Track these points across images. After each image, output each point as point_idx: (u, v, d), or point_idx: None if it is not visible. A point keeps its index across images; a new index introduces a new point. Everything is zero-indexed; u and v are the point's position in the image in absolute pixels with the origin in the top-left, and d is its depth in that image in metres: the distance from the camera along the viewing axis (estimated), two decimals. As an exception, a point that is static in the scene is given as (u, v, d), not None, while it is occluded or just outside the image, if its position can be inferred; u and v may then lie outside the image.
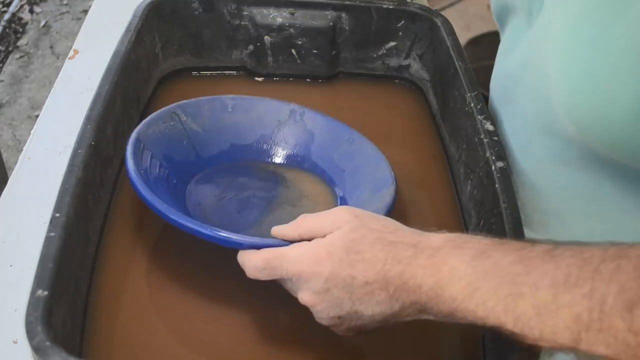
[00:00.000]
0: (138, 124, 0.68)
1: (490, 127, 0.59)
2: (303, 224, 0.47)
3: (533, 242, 0.39)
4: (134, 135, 0.58)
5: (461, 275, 0.39)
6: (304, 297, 0.45)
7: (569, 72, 0.45)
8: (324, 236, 0.45)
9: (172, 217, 0.50)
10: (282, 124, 0.67)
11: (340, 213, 0.46)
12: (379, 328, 0.45)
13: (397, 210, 0.63)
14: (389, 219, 0.46)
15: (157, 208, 0.51)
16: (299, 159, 0.66)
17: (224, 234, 0.49)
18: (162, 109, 0.63)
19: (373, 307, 0.43)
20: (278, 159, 0.66)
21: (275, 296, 0.53)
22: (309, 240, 0.46)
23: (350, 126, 0.66)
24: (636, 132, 0.42)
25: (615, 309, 0.32)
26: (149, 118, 0.61)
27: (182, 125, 0.63)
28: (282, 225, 0.48)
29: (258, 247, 0.48)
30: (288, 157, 0.66)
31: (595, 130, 0.44)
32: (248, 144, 0.66)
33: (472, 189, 0.61)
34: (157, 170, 0.58)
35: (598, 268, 0.34)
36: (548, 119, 0.51)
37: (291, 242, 0.47)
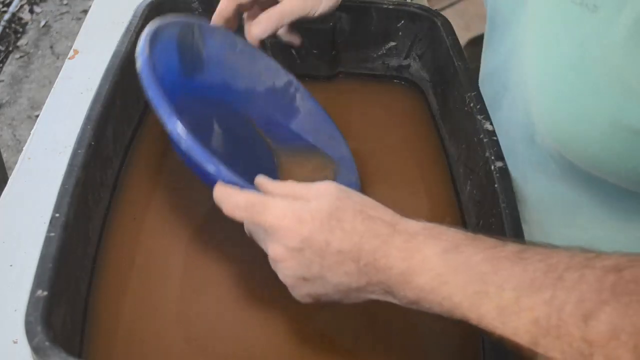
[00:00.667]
0: (138, 123, 0.68)
1: (490, 127, 0.59)
2: (289, 185, 0.47)
3: (505, 241, 0.40)
4: (152, 27, 0.54)
5: (432, 266, 0.39)
6: (276, 250, 0.44)
7: (547, 88, 0.46)
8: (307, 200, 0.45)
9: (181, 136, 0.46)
10: (276, 88, 0.67)
11: (327, 184, 0.46)
12: (337, 301, 0.45)
13: (396, 210, 0.63)
14: (370, 199, 0.46)
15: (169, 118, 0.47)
16: (277, 127, 0.66)
17: (223, 169, 0.46)
18: (180, 17, 0.61)
19: (340, 277, 0.43)
20: (259, 119, 0.65)
21: (277, 297, 0.53)
22: None
23: (336, 124, 0.67)
24: (613, 150, 0.43)
25: (572, 318, 0.33)
26: (167, 19, 0.58)
27: (192, 41, 0.61)
28: (267, 179, 0.48)
29: (240, 187, 0.47)
30: (268, 121, 0.66)
31: (573, 146, 0.45)
32: (238, 89, 0.65)
33: (472, 188, 0.61)
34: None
35: (562, 275, 0.35)
36: (529, 129, 0.51)
37: None
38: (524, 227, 0.53)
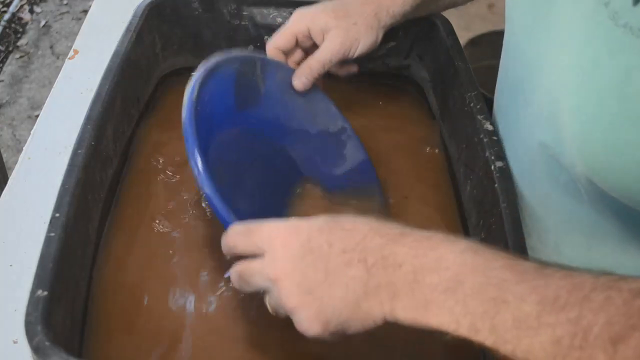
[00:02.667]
0: (138, 123, 0.68)
1: (490, 127, 0.59)
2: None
3: (520, 257, 0.37)
4: (208, 65, 0.54)
5: (448, 265, 0.37)
6: (276, 267, 0.41)
7: (583, 114, 0.42)
8: None
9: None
10: (329, 132, 0.66)
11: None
12: (346, 328, 0.40)
13: (396, 210, 0.63)
14: None
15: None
16: (320, 170, 0.65)
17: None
18: (243, 52, 0.61)
19: (347, 282, 0.39)
20: (305, 160, 0.65)
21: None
22: None
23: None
24: None
25: (599, 340, 0.31)
26: (229, 54, 0.58)
27: (252, 76, 0.61)
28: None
29: None
30: (312, 163, 0.65)
31: (606, 175, 0.42)
32: (290, 128, 0.64)
33: (472, 188, 0.61)
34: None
35: (588, 296, 0.33)
36: (556, 150, 0.48)
37: None
38: (535, 243, 0.51)
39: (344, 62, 0.66)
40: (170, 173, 0.64)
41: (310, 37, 0.64)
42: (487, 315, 0.35)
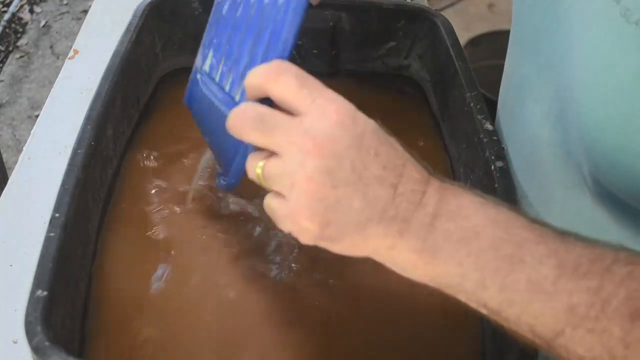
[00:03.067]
0: (138, 123, 0.68)
1: (490, 127, 0.59)
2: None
3: (542, 222, 0.35)
4: None
5: (467, 214, 0.35)
6: (316, 132, 0.35)
7: (596, 115, 0.41)
8: None
9: None
10: None
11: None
12: (343, 236, 0.36)
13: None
14: None
15: None
16: None
17: None
18: None
19: (371, 198, 0.35)
20: None
21: (282, 304, 0.53)
22: None
23: None
24: None
25: (617, 314, 0.30)
26: None
27: None
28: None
29: None
30: None
31: (614, 173, 0.41)
32: None
33: (472, 188, 0.61)
34: None
35: (610, 267, 0.31)
36: (564, 148, 0.47)
37: None
38: None
39: None
40: (170, 173, 0.64)
41: None
42: (500, 273, 0.33)
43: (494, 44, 0.64)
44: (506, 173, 0.55)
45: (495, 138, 0.58)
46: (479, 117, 0.61)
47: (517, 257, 0.33)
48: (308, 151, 0.35)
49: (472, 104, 0.62)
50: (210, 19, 0.54)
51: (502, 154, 0.57)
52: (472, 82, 0.65)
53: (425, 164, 0.39)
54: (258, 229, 0.59)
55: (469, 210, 0.35)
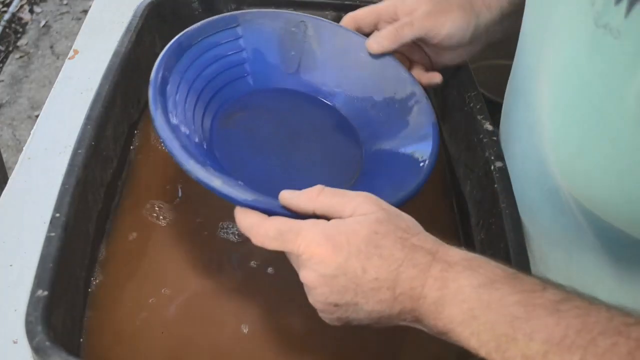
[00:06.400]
0: (138, 123, 0.68)
1: (489, 127, 0.60)
2: (320, 199, 0.44)
3: (545, 285, 0.38)
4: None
5: (465, 298, 0.38)
6: (308, 277, 0.42)
7: (558, 111, 0.42)
8: (341, 217, 0.43)
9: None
10: (395, 99, 0.61)
11: (365, 200, 0.43)
12: (366, 326, 0.44)
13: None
14: (412, 219, 0.44)
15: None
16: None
17: (232, 190, 0.45)
18: (286, 12, 0.59)
19: (374, 304, 0.41)
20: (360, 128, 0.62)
21: (281, 303, 0.53)
22: (324, 218, 0.44)
23: None
24: (631, 209, 0.40)
25: None
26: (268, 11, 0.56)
27: (304, 38, 0.58)
28: (293, 193, 0.45)
29: (263, 210, 0.45)
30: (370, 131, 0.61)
31: (578, 181, 0.43)
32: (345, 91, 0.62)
33: (472, 189, 0.61)
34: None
35: (595, 339, 0.34)
36: (541, 155, 0.48)
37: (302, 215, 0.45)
38: (530, 259, 0.52)
39: (428, 69, 0.64)
40: (170, 173, 0.64)
41: (394, 17, 0.61)
42: (500, 350, 0.37)
43: (494, 44, 0.64)
44: (506, 173, 0.55)
45: (494, 138, 0.58)
46: (479, 117, 0.61)
47: (510, 336, 0.36)
48: (306, 285, 0.43)
49: (472, 104, 0.62)
50: None
51: (501, 154, 0.57)
52: (472, 82, 0.65)
53: (433, 238, 0.43)
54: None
55: (464, 295, 0.39)
